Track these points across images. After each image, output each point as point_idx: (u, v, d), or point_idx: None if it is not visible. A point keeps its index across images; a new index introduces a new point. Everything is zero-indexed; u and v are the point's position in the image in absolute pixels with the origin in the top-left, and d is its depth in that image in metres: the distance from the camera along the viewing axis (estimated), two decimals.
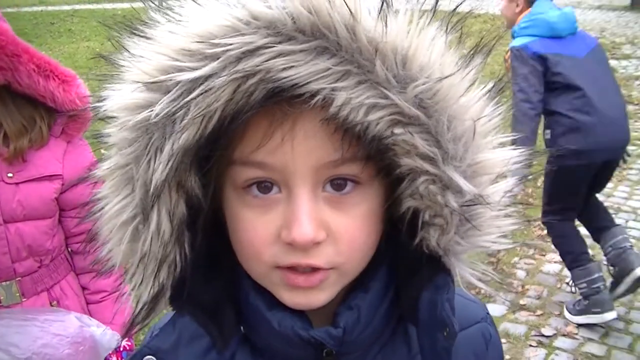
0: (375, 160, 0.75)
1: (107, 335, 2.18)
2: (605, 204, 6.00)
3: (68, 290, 2.30)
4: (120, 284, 0.88)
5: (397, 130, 0.71)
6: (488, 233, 0.80)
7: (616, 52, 11.86)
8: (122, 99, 0.73)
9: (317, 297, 0.80)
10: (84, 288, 2.39)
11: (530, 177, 0.86)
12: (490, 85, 0.78)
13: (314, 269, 0.77)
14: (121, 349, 2.36)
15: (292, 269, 0.77)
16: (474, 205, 0.76)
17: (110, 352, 2.32)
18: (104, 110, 0.76)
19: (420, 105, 0.71)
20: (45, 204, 2.15)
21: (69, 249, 2.38)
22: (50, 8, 19.22)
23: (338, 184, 0.76)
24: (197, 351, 0.83)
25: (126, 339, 2.37)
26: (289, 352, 0.84)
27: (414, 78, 0.71)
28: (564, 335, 4.15)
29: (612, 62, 10.85)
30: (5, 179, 2.07)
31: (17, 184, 2.09)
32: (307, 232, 0.73)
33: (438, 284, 0.81)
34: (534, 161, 0.83)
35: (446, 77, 0.72)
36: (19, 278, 2.18)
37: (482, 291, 4.38)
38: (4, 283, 2.16)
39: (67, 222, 2.29)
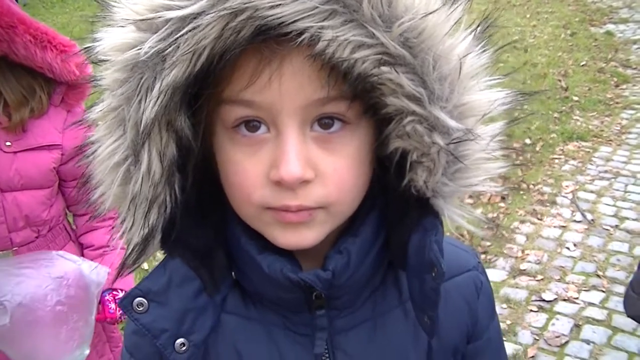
0: (362, 100, 0.76)
1: (95, 270, 2.15)
2: (604, 168, 6.01)
3: None
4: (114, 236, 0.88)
5: (383, 69, 0.72)
6: (475, 175, 0.81)
7: (613, 16, 11.76)
8: (113, 39, 0.74)
9: (307, 234, 0.81)
10: (88, 246, 2.37)
11: (518, 120, 0.86)
12: (476, 25, 0.78)
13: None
14: (118, 298, 2.33)
15: (283, 210, 0.79)
16: (461, 142, 0.77)
17: (110, 299, 2.30)
18: (96, 53, 0.76)
19: (405, 44, 0.72)
20: (43, 174, 2.13)
21: (72, 213, 2.37)
22: None
23: (326, 122, 0.78)
24: (187, 293, 0.86)
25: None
26: (279, 295, 0.87)
27: (399, 17, 0.71)
28: (564, 300, 4.16)
29: (610, 27, 10.78)
30: (3, 147, 2.06)
31: (15, 152, 2.07)
32: (295, 170, 0.74)
33: (426, 226, 0.82)
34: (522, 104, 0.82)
35: (431, 13, 0.72)
36: (16, 248, 2.16)
37: (482, 257, 4.39)
38: (0, 253, 2.14)
39: (69, 192, 2.28)
